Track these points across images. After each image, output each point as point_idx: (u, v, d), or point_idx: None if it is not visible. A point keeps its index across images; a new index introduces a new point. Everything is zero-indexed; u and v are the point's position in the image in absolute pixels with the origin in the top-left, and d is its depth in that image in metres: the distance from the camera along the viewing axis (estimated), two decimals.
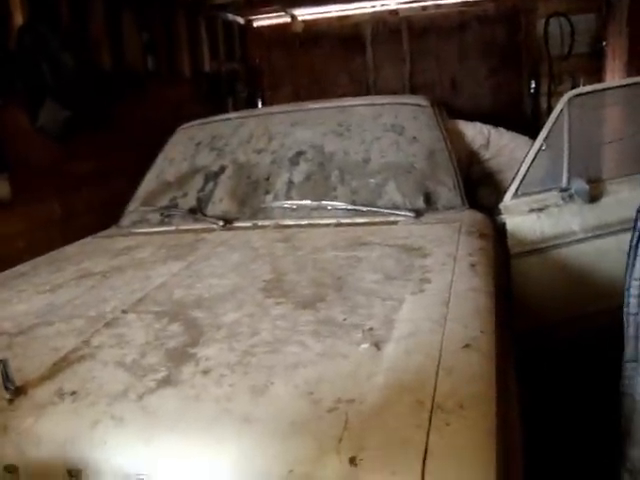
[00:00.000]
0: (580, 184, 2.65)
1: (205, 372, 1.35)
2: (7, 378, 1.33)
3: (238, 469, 1.11)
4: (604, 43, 5.85)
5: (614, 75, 5.88)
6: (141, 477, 1.15)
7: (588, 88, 3.02)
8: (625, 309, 1.87)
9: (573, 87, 5.76)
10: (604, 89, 3.02)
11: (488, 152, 3.57)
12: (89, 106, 3.90)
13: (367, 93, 6.61)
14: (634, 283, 1.84)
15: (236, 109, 6.07)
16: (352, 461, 1.04)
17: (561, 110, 2.76)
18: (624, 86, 3.10)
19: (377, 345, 1.39)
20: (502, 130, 3.76)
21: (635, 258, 1.84)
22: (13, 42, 3.53)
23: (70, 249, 2.68)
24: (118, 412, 1.24)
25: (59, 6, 3.95)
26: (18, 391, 1.34)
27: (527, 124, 5.61)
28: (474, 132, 3.61)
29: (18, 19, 3.57)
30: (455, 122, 3.60)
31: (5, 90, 3.42)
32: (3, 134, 3.38)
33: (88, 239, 2.85)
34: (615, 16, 5.35)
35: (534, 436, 1.81)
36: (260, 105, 6.96)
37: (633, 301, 1.83)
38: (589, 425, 2.46)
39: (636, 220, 1.83)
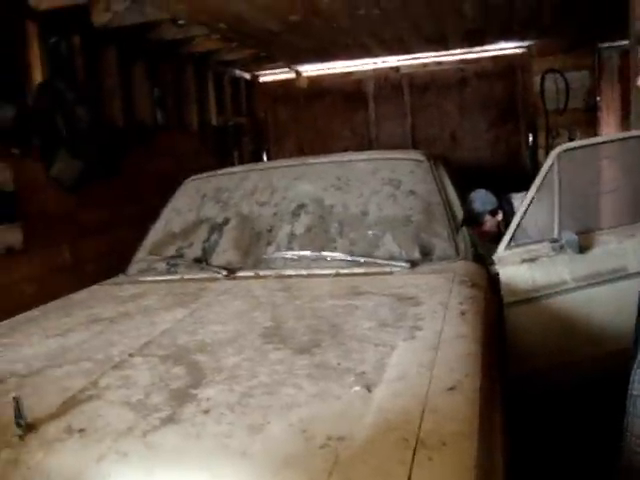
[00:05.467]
0: (570, 235, 2.73)
1: (206, 411, 1.43)
2: (19, 415, 1.41)
3: None
4: (598, 98, 6.05)
5: (609, 129, 6.06)
6: None
7: (577, 143, 3.16)
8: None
9: (570, 140, 5.94)
10: (592, 144, 3.14)
11: None
12: (101, 158, 4.06)
13: (369, 147, 6.79)
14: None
15: (242, 162, 6.23)
16: None
17: (551, 164, 2.87)
18: (611, 141, 3.23)
19: (368, 387, 1.47)
20: None
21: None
22: (32, 98, 3.73)
23: (79, 295, 2.77)
24: (122, 448, 1.32)
25: (75, 63, 4.17)
26: (29, 428, 1.41)
27: (526, 176, 5.76)
28: None
29: (37, 76, 3.78)
30: None
31: (22, 142, 3.60)
32: (19, 184, 3.53)
33: (96, 286, 2.95)
34: (607, 73, 5.56)
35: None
36: (265, 158, 7.15)
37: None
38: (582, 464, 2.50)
39: None
